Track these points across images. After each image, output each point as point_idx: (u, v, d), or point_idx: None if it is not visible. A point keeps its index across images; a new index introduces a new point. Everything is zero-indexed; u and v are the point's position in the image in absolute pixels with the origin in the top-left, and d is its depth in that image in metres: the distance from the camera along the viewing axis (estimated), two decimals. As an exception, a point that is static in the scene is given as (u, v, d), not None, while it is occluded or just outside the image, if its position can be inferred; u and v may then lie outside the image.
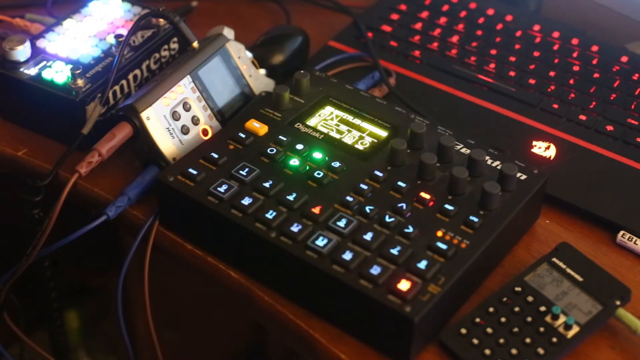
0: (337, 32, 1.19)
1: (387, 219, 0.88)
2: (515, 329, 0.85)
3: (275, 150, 0.94)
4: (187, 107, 0.99)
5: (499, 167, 0.93)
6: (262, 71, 1.07)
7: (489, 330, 0.85)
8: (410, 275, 0.83)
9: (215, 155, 0.93)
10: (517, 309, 0.86)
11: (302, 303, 0.88)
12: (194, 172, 0.92)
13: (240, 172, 0.92)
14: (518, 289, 0.88)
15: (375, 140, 0.96)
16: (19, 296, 1.07)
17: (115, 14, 1.10)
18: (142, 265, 0.95)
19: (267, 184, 0.90)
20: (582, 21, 1.20)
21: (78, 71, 0.99)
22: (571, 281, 0.88)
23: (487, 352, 0.83)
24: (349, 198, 0.89)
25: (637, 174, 1.01)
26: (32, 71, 1.01)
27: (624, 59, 1.13)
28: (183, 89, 0.99)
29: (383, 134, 0.97)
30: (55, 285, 1.16)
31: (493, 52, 1.14)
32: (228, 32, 1.05)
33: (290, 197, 0.89)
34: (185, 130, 0.98)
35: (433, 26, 1.18)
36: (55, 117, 1.01)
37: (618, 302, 0.86)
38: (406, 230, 0.87)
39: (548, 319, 0.85)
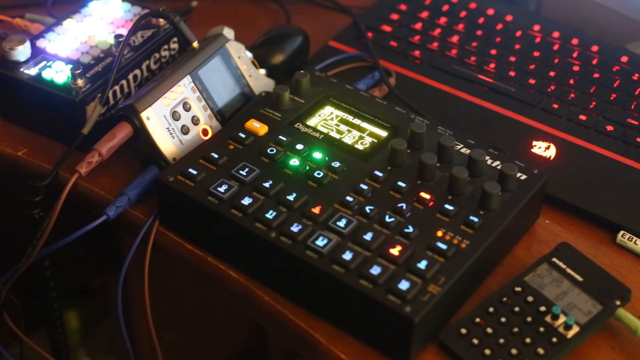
0: (337, 32, 1.19)
1: (387, 219, 0.88)
2: (516, 329, 0.85)
3: (275, 150, 0.94)
4: (187, 107, 0.99)
5: (499, 167, 0.93)
6: (262, 71, 1.07)
7: (489, 330, 0.85)
8: (410, 275, 0.83)
9: (215, 155, 0.93)
10: (517, 309, 0.86)
11: (302, 303, 0.88)
12: (194, 172, 0.92)
13: (240, 172, 0.92)
14: (518, 289, 0.88)
15: (375, 140, 0.96)
16: (18, 296, 1.06)
17: (115, 14, 1.10)
18: (142, 265, 0.95)
19: (267, 184, 0.90)
20: (582, 21, 1.20)
21: (78, 71, 0.99)
22: (571, 281, 0.88)
23: (487, 352, 0.83)
24: (349, 198, 0.89)
25: (637, 174, 1.01)
26: (32, 71, 1.01)
27: (624, 59, 1.13)
28: (183, 89, 0.99)
29: (383, 134, 0.97)
30: (55, 285, 1.16)
31: (493, 52, 1.14)
32: (228, 32, 1.05)
33: (290, 197, 0.89)
34: (185, 130, 0.98)
35: (433, 26, 1.18)
36: (55, 117, 1.01)
37: (618, 302, 0.86)
38: (406, 230, 0.87)
39: (548, 319, 0.85)
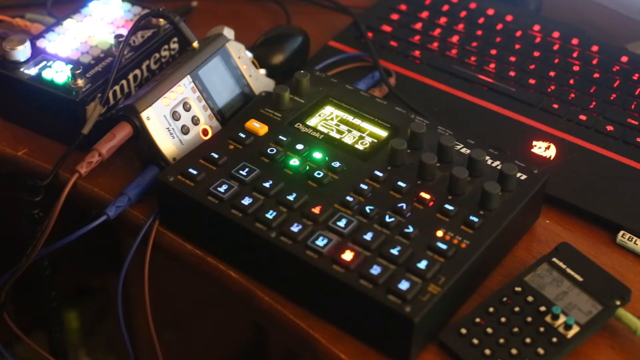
0: (337, 32, 1.19)
1: (387, 219, 0.88)
2: (516, 329, 0.85)
3: (275, 150, 0.94)
4: (187, 107, 0.99)
5: (499, 167, 0.93)
6: (262, 71, 1.07)
7: (489, 330, 0.85)
8: (410, 275, 0.83)
9: (215, 155, 0.93)
10: (517, 309, 0.86)
11: (302, 303, 0.88)
12: (194, 172, 0.92)
13: (240, 172, 0.92)
14: (518, 289, 0.88)
15: (375, 140, 0.96)
16: (14, 297, 1.06)
17: (115, 14, 1.10)
18: (142, 265, 0.95)
19: (267, 184, 0.90)
20: (582, 21, 1.20)
21: (78, 71, 0.99)
22: (571, 281, 0.88)
23: (487, 352, 0.83)
24: (349, 198, 0.89)
25: (637, 174, 1.01)
26: (32, 71, 1.01)
27: (624, 59, 1.13)
28: (183, 89, 0.99)
29: (383, 134, 0.97)
30: (52, 286, 1.15)
31: (493, 52, 1.14)
32: (228, 32, 1.05)
33: (290, 197, 0.89)
34: (185, 130, 0.98)
35: (433, 26, 1.18)
36: (55, 117, 1.01)
37: (618, 302, 0.86)
38: (406, 230, 0.87)
39: (548, 319, 0.85)
